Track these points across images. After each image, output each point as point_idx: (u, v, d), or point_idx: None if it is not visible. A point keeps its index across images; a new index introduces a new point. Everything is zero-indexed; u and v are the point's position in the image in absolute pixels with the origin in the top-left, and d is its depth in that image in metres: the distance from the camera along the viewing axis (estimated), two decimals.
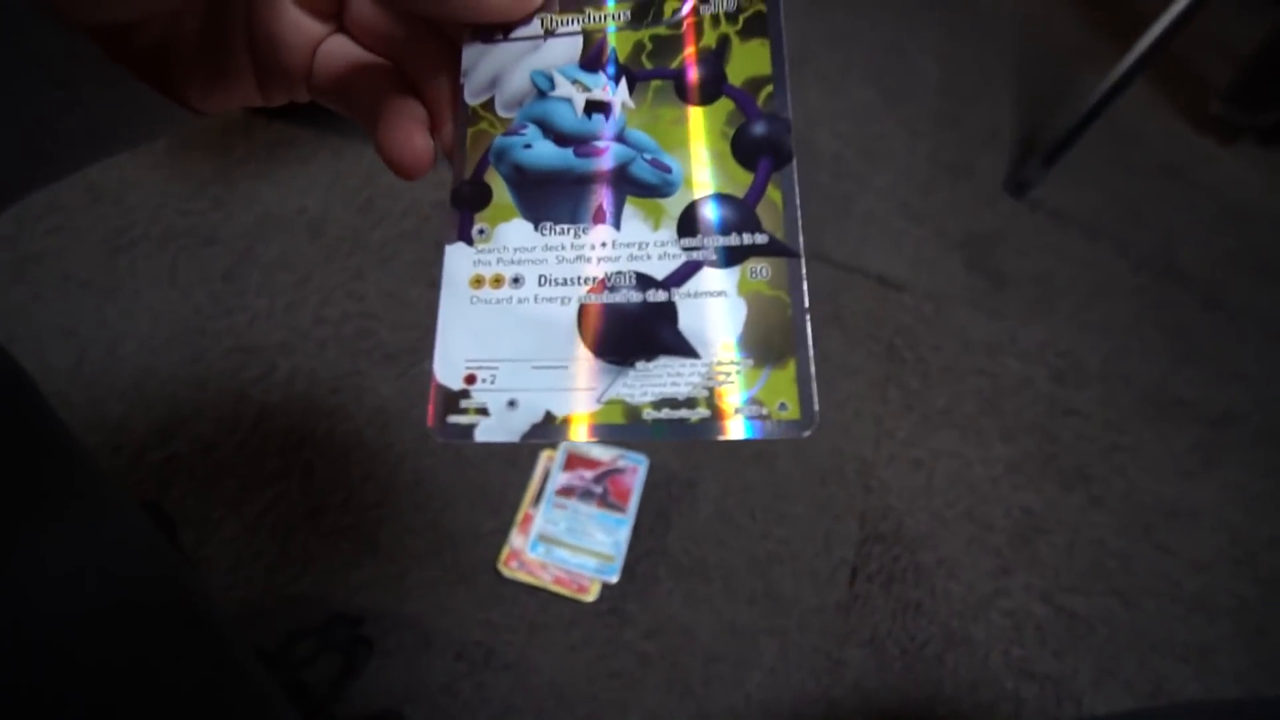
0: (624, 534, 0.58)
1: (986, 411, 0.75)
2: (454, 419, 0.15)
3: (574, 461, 0.62)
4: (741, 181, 0.16)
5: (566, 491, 0.60)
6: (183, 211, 0.75)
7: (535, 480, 0.61)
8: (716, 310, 0.15)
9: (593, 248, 0.16)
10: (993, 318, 0.82)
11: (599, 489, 0.60)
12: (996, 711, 0.58)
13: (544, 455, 0.63)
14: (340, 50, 0.19)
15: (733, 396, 0.15)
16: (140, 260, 0.71)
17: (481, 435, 0.15)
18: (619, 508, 0.60)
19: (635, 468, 0.62)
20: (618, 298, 0.16)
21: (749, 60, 0.17)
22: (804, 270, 0.16)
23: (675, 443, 0.66)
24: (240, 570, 0.55)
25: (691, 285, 0.16)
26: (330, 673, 0.52)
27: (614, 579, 0.56)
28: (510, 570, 0.57)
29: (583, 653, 0.55)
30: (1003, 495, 0.69)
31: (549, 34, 0.17)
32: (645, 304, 0.15)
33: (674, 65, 0.17)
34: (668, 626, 0.57)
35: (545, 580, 0.57)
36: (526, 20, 0.17)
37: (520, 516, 0.60)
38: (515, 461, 0.63)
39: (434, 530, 0.59)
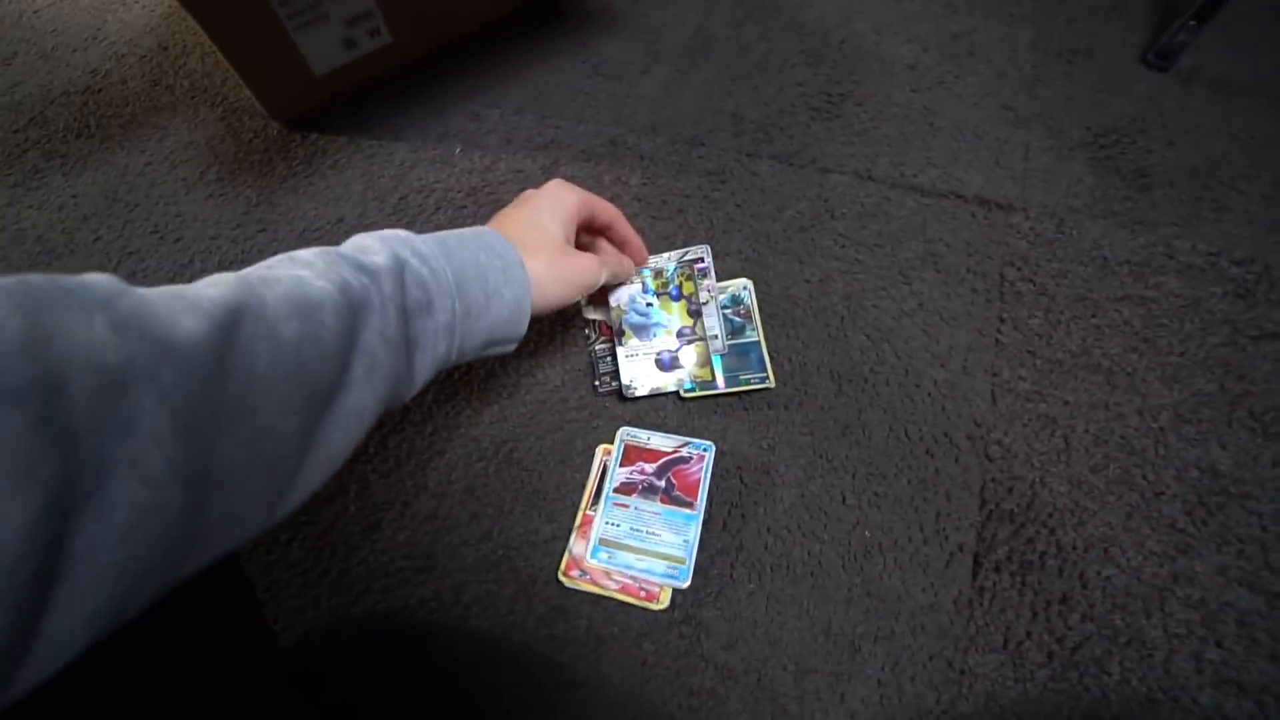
0: (694, 532, 0.52)
1: (1139, 348, 0.59)
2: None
3: (632, 454, 0.55)
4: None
5: (626, 489, 0.54)
6: (233, 239, 0.76)
7: (592, 479, 0.56)
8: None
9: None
10: (1138, 229, 0.65)
11: (662, 483, 0.54)
12: None
13: (600, 451, 0.57)
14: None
15: None
16: None
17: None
18: (686, 502, 0.53)
19: (701, 455, 0.54)
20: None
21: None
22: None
23: (746, 423, 0.58)
24: (308, 591, 0.55)
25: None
26: (392, 694, 0.50)
27: (685, 583, 0.50)
28: (572, 580, 0.52)
29: (656, 668, 0.49)
30: (1173, 453, 0.55)
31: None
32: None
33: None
34: (750, 635, 0.50)
35: (610, 589, 0.51)
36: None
37: (579, 520, 0.54)
38: (569, 459, 0.57)
39: (489, 540, 0.55)
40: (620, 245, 0.58)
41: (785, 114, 0.77)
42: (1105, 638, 0.48)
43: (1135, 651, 0.48)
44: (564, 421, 0.59)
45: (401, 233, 0.41)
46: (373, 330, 0.34)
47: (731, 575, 0.52)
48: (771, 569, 0.52)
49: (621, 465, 0.55)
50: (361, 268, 0.36)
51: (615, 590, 0.51)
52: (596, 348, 0.60)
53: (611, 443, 0.57)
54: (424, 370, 0.40)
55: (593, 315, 0.62)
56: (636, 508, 0.53)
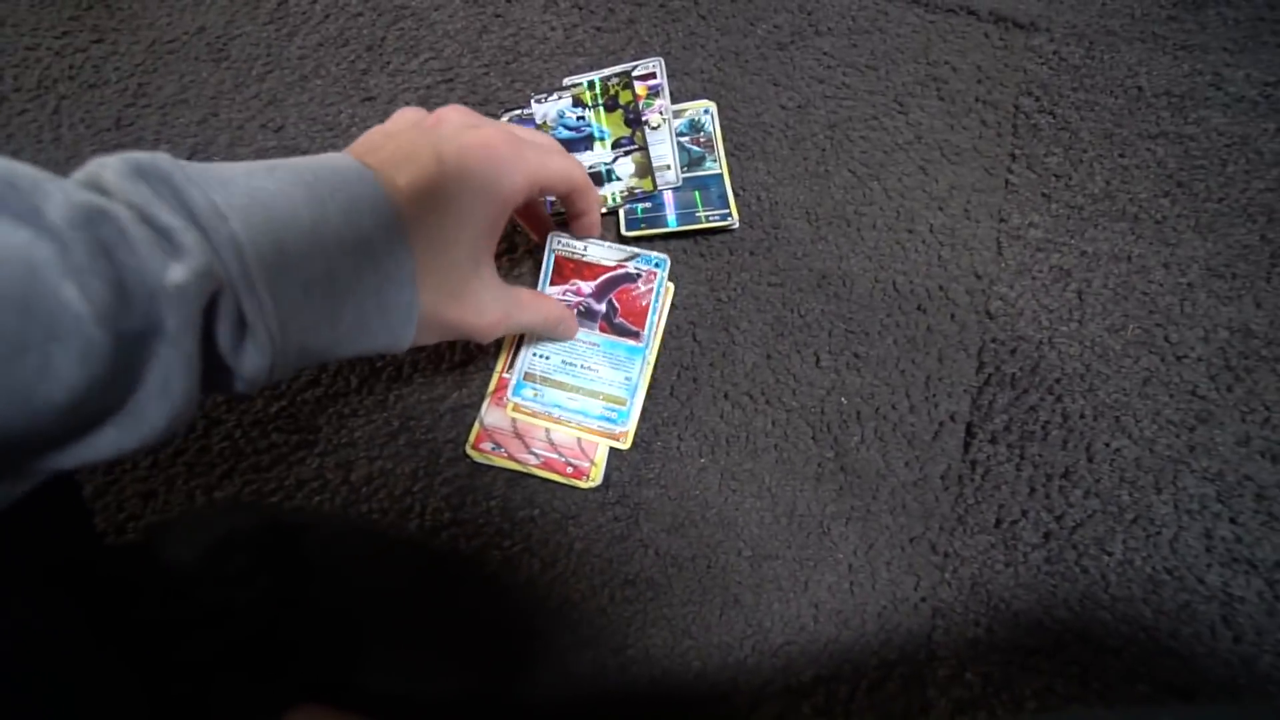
0: (639, 369, 0.41)
1: (1172, 192, 0.50)
2: None
3: (565, 269, 0.42)
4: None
5: None
6: (58, 50, 0.59)
7: (510, 336, 0.45)
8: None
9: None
10: (1183, 54, 0.54)
11: (602, 306, 0.41)
12: (1193, 614, 0.39)
13: None
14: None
15: None
16: (15, 117, 0.57)
17: None
18: (632, 332, 0.41)
19: (653, 272, 0.42)
20: None
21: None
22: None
23: (703, 271, 0.47)
24: (158, 474, 0.44)
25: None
26: (262, 593, 0.41)
27: (625, 428, 0.40)
28: (483, 454, 0.42)
29: (585, 556, 0.41)
30: (1201, 311, 0.46)
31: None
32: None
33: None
34: (700, 517, 0.41)
35: (530, 464, 0.42)
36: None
37: (493, 385, 0.44)
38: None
39: (384, 409, 0.45)
40: (571, 217, 0.40)
41: None
42: (1110, 515, 0.41)
43: (1141, 529, 0.41)
44: None
45: (192, 201, 0.24)
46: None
47: (679, 448, 0.43)
48: (728, 441, 0.43)
49: (552, 283, 0.42)
50: (151, 309, 0.21)
51: (536, 466, 0.42)
52: None
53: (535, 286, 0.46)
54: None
55: None
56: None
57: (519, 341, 0.44)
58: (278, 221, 0.25)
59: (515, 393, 0.41)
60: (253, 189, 0.25)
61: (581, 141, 0.49)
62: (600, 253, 0.42)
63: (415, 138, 0.31)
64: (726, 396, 0.44)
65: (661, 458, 0.42)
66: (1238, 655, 0.38)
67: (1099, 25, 0.56)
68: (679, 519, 0.41)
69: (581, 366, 0.41)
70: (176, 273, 0.22)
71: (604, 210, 0.48)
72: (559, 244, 0.42)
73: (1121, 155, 0.51)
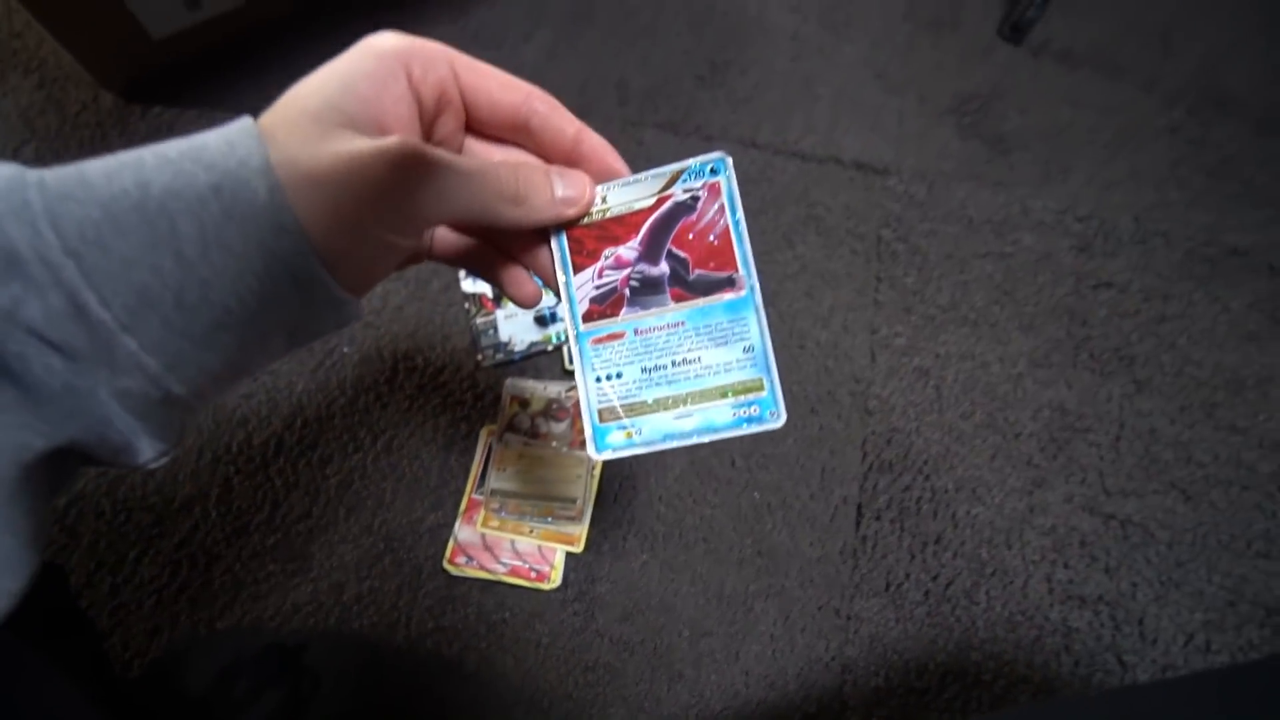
0: (755, 324, 0.26)
1: (1000, 300, 0.63)
2: None
3: (586, 242, 0.28)
4: None
5: (606, 307, 0.27)
6: None
7: (477, 461, 0.54)
8: None
9: None
10: (998, 189, 0.70)
11: (663, 266, 0.28)
12: (1042, 646, 0.49)
13: (484, 433, 0.55)
14: (450, 239, 0.29)
15: None
16: None
17: None
18: (720, 281, 0.27)
19: (714, 184, 0.27)
20: None
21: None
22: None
23: None
24: (163, 611, 0.49)
25: None
26: (274, 709, 0.46)
27: (779, 420, 0.26)
28: (458, 567, 0.50)
29: (551, 649, 0.48)
30: (1029, 395, 0.59)
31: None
32: None
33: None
34: (645, 605, 0.49)
35: (500, 572, 0.49)
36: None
37: (464, 504, 0.52)
38: (453, 443, 0.55)
39: (369, 534, 0.52)
40: (547, 150, 0.27)
41: (671, 82, 0.76)
42: (973, 571, 0.52)
43: (999, 580, 0.51)
44: (447, 404, 0.56)
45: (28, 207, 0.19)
46: None
47: (624, 547, 0.51)
48: (664, 538, 0.52)
49: (579, 271, 0.27)
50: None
51: (504, 574, 0.49)
52: (478, 321, 0.57)
53: (494, 424, 0.55)
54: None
55: (471, 289, 0.59)
56: (638, 329, 0.27)
57: (486, 460, 0.53)
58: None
59: (600, 447, 0.27)
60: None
61: None
62: (627, 194, 0.27)
63: None
64: (660, 499, 0.53)
65: (609, 557, 0.51)
66: (1077, 675, 0.48)
67: (936, 168, 0.71)
68: (628, 609, 0.49)
69: (674, 364, 0.27)
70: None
71: (549, 348, 0.57)
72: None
73: (961, 272, 0.65)
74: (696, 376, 0.26)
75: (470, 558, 0.50)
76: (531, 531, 0.50)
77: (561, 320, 0.58)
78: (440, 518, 0.52)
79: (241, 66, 0.74)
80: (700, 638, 0.48)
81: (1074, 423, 0.58)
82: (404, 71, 0.23)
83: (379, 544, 0.51)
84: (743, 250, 0.26)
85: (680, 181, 0.27)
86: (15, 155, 0.70)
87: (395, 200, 0.22)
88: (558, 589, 0.49)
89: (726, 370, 0.26)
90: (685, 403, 0.26)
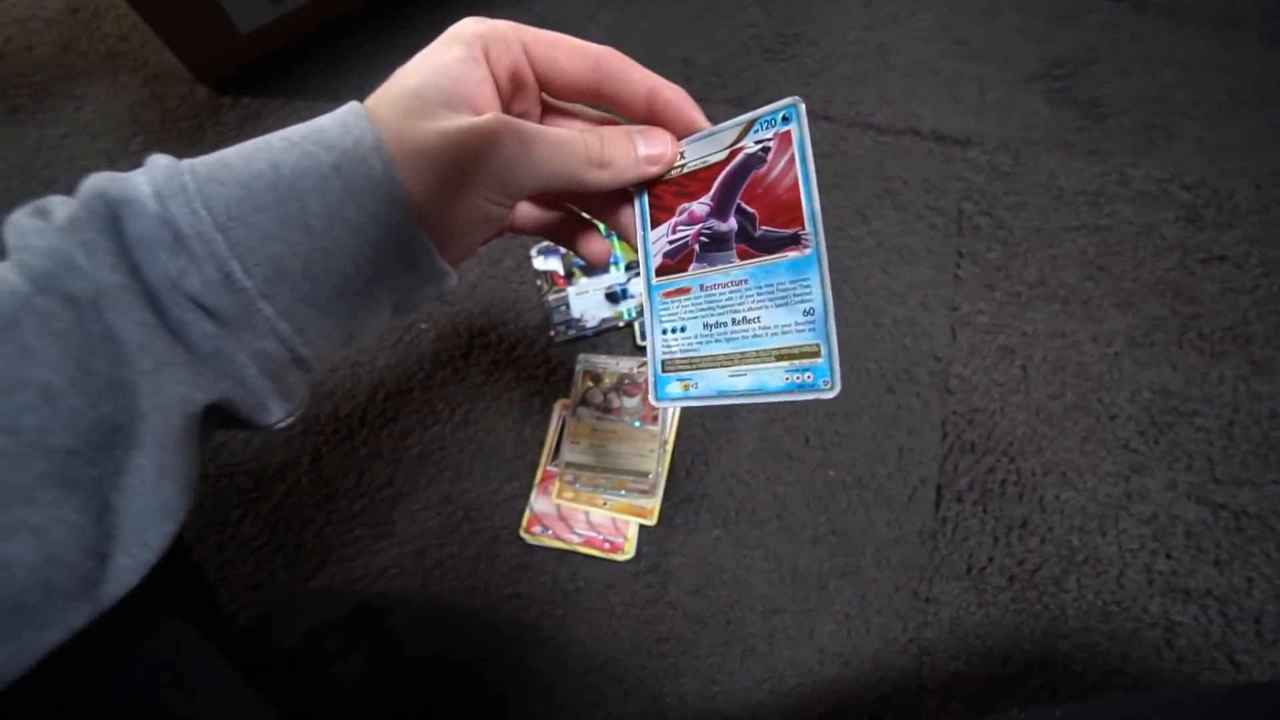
0: (819, 286, 0.24)
1: (1095, 276, 0.60)
2: None
3: (664, 197, 0.28)
4: None
5: (675, 264, 0.28)
6: None
7: (551, 434, 0.55)
8: None
9: None
10: (1093, 158, 0.65)
11: (730, 222, 0.28)
12: (1140, 640, 0.47)
13: (558, 406, 0.56)
14: (529, 210, 0.31)
15: None
16: None
17: None
18: (786, 239, 0.26)
19: (784, 133, 0.26)
20: None
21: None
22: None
23: None
24: (262, 569, 0.53)
25: None
26: (362, 667, 0.49)
27: (833, 389, 0.24)
28: (534, 536, 0.51)
29: (624, 619, 0.49)
30: (1127, 376, 0.55)
31: None
32: None
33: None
34: (718, 580, 0.49)
35: (574, 543, 0.50)
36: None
37: (539, 476, 0.53)
38: (528, 416, 0.56)
39: (448, 503, 0.54)
40: (625, 110, 0.27)
41: (738, 57, 0.74)
42: (1063, 557, 0.49)
43: (1091, 569, 0.49)
44: (520, 379, 0.57)
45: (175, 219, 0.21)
46: None
47: (696, 522, 0.51)
48: (736, 513, 0.51)
49: (655, 226, 0.28)
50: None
51: (579, 544, 0.50)
52: (550, 298, 0.58)
53: (568, 397, 0.55)
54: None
55: (543, 266, 0.60)
56: (703, 285, 0.27)
57: (560, 433, 0.54)
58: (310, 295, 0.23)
59: (660, 396, 0.28)
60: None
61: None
62: (702, 148, 0.27)
63: None
64: (733, 475, 0.53)
65: (682, 531, 0.51)
66: (1180, 673, 0.45)
67: (1021, 137, 0.67)
68: (700, 583, 0.49)
69: (734, 322, 0.26)
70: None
71: (620, 324, 0.58)
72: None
73: (1050, 247, 0.61)
74: (755, 336, 0.26)
75: (546, 527, 0.51)
76: (605, 504, 0.51)
77: (633, 296, 0.58)
78: (516, 488, 0.53)
79: (319, 59, 0.77)
80: (773, 614, 0.48)
81: (1178, 406, 0.54)
82: (482, 55, 0.25)
83: (458, 512, 0.53)
84: (810, 205, 0.25)
85: (752, 132, 0.26)
86: (126, 148, 0.76)
87: (492, 170, 0.23)
88: (631, 560, 0.50)
89: (784, 333, 0.25)
90: (741, 361, 0.26)
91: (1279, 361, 0.54)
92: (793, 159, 0.25)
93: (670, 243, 0.27)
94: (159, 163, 0.22)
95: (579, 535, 0.50)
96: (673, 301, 0.28)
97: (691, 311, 0.27)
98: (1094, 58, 0.70)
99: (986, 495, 0.51)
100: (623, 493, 0.51)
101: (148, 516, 0.22)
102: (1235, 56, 0.67)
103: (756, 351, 0.26)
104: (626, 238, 0.29)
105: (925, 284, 0.60)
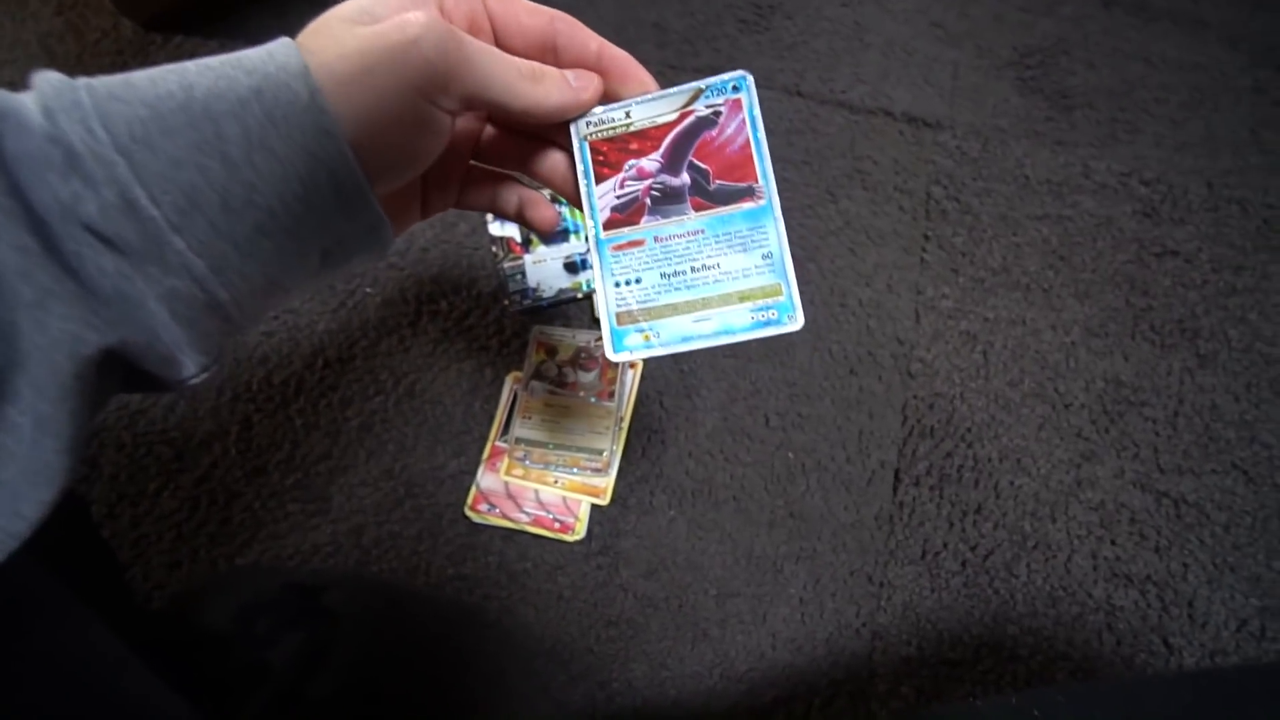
0: (775, 233, 0.27)
1: (1055, 265, 0.60)
2: None
3: (609, 152, 0.29)
4: None
5: (626, 216, 0.28)
6: None
7: (502, 408, 0.52)
8: None
9: None
10: (1059, 148, 0.65)
11: (684, 177, 0.29)
12: (1084, 624, 0.47)
13: (510, 379, 0.53)
14: (478, 171, 0.31)
15: None
16: None
17: None
18: (741, 191, 0.28)
19: (734, 100, 0.28)
20: None
21: None
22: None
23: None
24: (183, 545, 0.49)
25: None
26: (295, 651, 0.46)
27: (797, 323, 0.27)
28: (480, 514, 0.48)
29: (573, 602, 0.47)
30: (1082, 365, 0.56)
31: None
32: None
33: None
34: (671, 562, 0.48)
35: (523, 522, 0.48)
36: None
37: (487, 451, 0.50)
38: (478, 389, 0.53)
39: (390, 478, 0.50)
40: (574, 66, 0.28)
41: (711, 25, 0.71)
42: (1015, 543, 0.49)
43: (1041, 554, 0.49)
44: (471, 349, 0.54)
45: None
46: None
47: (651, 502, 0.49)
48: (693, 494, 0.50)
49: (600, 182, 0.28)
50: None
51: (527, 523, 0.48)
52: (505, 265, 0.55)
53: (520, 370, 0.53)
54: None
55: (499, 232, 0.57)
56: (658, 237, 0.28)
57: (511, 407, 0.51)
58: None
59: (617, 348, 0.28)
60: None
61: (559, 234, 0.56)
62: (650, 109, 0.28)
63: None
64: (690, 455, 0.51)
65: (636, 511, 0.49)
66: (1119, 656, 0.46)
67: (991, 124, 0.67)
68: (653, 565, 0.48)
69: (693, 269, 0.27)
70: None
71: (579, 295, 0.55)
72: (589, 126, 0.28)
73: (1014, 234, 0.61)
74: (715, 282, 0.27)
75: (493, 505, 0.48)
76: (556, 482, 0.49)
77: (591, 267, 0.55)
78: (462, 464, 0.51)
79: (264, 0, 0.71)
80: (727, 598, 0.47)
81: (1129, 396, 0.54)
82: (435, 2, 0.24)
83: (399, 488, 0.50)
84: (763, 164, 0.27)
85: (703, 98, 0.28)
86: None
87: (427, 60, 0.22)
88: (582, 541, 0.48)
89: (745, 275, 0.27)
90: (704, 307, 0.27)
91: (1222, 355, 0.56)
92: (744, 122, 0.27)
93: (618, 197, 0.28)
94: (49, 78, 0.20)
95: (528, 514, 0.48)
96: (625, 254, 0.28)
97: (646, 263, 0.28)
98: (1064, 49, 0.70)
99: (944, 480, 0.51)
100: (575, 470, 0.49)
101: (21, 482, 0.19)
102: (1197, 56, 0.68)
103: (719, 295, 0.27)
104: (568, 193, 0.29)
105: (892, 266, 0.59)
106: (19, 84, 0.60)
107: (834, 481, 0.51)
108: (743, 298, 0.27)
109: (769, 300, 0.27)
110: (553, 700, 0.44)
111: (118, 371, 0.22)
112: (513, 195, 0.31)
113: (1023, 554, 0.49)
